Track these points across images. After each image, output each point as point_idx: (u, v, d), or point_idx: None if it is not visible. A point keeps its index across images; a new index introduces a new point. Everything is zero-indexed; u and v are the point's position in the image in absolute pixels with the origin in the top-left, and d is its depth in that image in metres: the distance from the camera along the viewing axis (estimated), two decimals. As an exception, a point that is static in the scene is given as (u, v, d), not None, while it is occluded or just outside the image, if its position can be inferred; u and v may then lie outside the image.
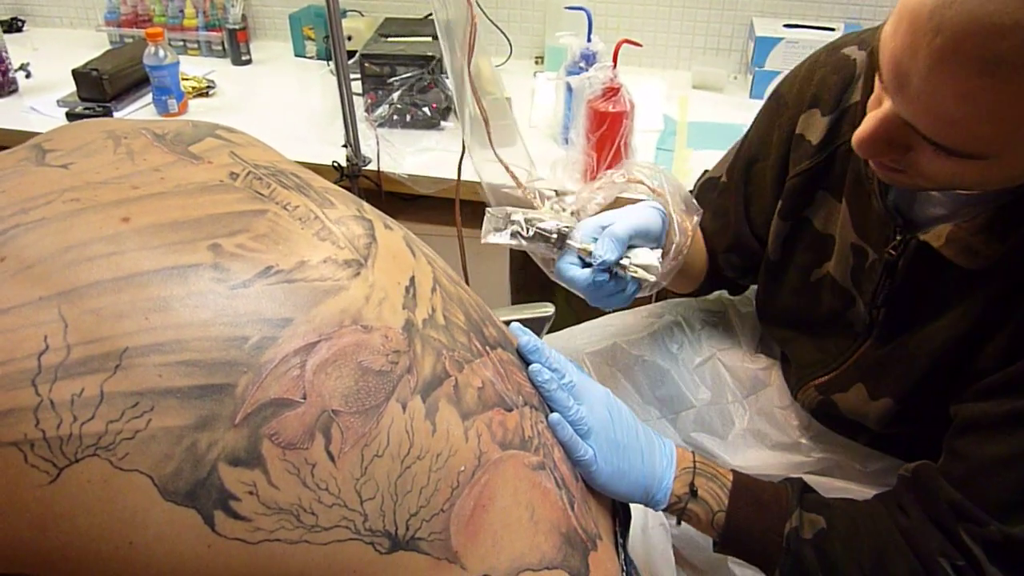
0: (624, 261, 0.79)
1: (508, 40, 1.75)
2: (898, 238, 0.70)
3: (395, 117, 1.40)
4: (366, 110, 1.40)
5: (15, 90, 1.61)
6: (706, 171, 0.98)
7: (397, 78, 1.38)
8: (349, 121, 1.23)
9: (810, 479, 0.81)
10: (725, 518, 0.71)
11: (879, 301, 0.74)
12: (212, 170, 0.54)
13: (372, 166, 1.30)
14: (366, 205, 0.62)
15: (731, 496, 0.72)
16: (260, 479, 0.44)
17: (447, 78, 1.39)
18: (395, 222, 0.64)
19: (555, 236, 0.82)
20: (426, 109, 1.40)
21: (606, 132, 1.18)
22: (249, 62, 1.78)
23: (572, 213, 0.88)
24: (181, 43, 1.82)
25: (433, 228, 1.37)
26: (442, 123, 1.43)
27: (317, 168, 1.33)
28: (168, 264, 0.46)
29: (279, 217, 0.52)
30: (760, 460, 0.93)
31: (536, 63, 1.80)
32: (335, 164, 1.29)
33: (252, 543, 0.44)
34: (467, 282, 0.79)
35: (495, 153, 0.93)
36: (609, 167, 1.22)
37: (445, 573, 0.50)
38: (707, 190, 0.94)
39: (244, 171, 0.55)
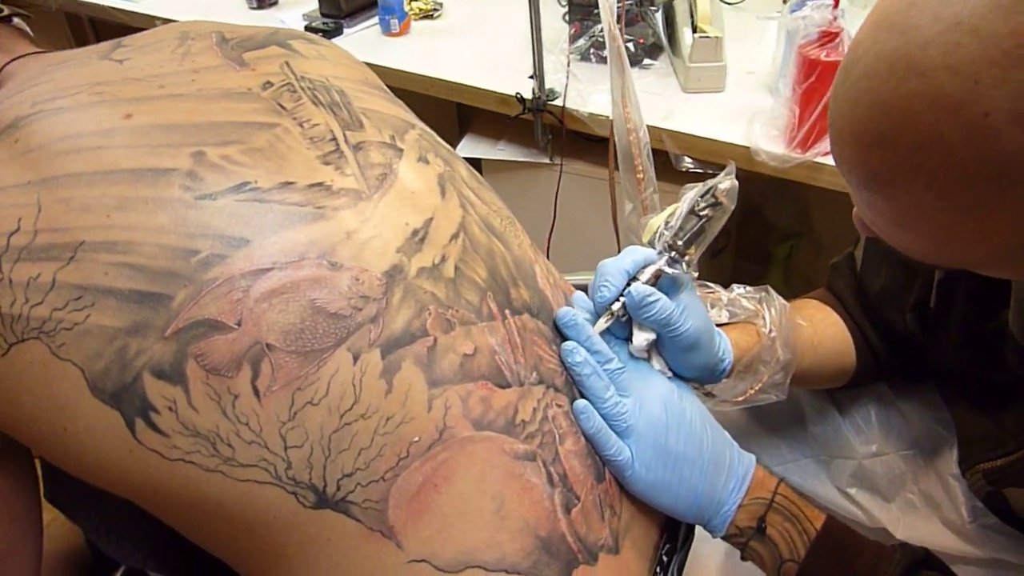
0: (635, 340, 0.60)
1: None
2: None
3: (592, 51, 1.31)
4: (569, 41, 1.33)
5: (275, 3, 1.77)
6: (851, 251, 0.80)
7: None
8: (536, 51, 1.18)
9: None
10: (797, 573, 0.58)
11: None
12: (249, 77, 0.53)
13: (561, 101, 1.24)
14: (414, 133, 0.57)
15: (812, 548, 0.58)
16: (181, 397, 0.42)
17: (657, 11, 1.26)
18: (446, 156, 0.58)
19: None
20: (630, 45, 1.30)
21: (814, 84, 1.00)
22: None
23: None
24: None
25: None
26: (646, 60, 1.32)
27: (503, 99, 1.31)
28: (145, 165, 0.45)
29: (287, 133, 0.49)
30: (930, 535, 0.76)
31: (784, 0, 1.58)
32: (518, 96, 1.24)
33: (169, 459, 0.43)
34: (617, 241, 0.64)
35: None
36: (814, 129, 1.03)
37: (377, 546, 0.45)
38: (872, 256, 0.76)
39: (281, 82, 0.53)
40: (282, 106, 0.51)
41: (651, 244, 0.59)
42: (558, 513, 0.50)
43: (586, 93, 1.24)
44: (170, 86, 0.50)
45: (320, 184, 0.48)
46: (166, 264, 0.43)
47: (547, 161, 1.35)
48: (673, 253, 0.58)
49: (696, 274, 0.68)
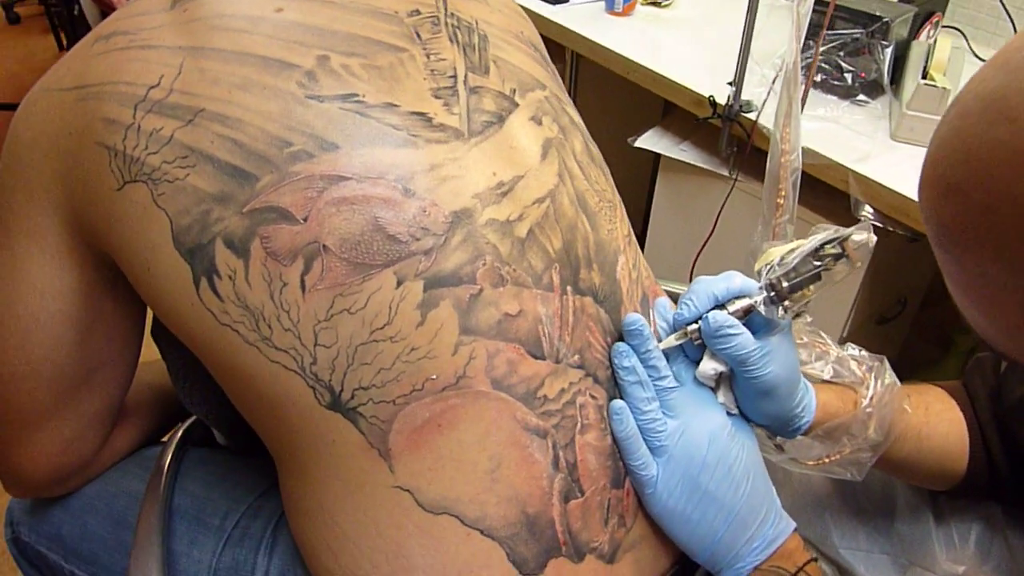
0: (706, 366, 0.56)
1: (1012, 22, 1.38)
2: None
3: (805, 72, 1.23)
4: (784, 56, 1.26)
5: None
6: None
7: (831, 31, 1.20)
8: (740, 59, 1.12)
9: None
10: None
11: None
12: (402, 2, 0.55)
13: (755, 115, 1.18)
14: (539, 94, 0.57)
15: None
16: (240, 270, 0.46)
17: (888, 47, 1.16)
18: (566, 124, 0.58)
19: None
20: (848, 75, 1.20)
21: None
22: (724, -14, 1.71)
23: None
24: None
25: (804, 211, 1.20)
26: (861, 96, 1.22)
27: (697, 99, 1.26)
28: (275, 56, 0.49)
29: (412, 60, 0.51)
30: None
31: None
32: (711, 99, 1.20)
33: (219, 323, 0.48)
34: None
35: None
36: None
37: (372, 462, 0.47)
38: None
39: (429, 13, 0.55)
40: (419, 34, 0.53)
41: (759, 274, 0.56)
42: (553, 498, 0.49)
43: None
44: None
45: (422, 114, 0.49)
46: (262, 148, 0.46)
47: (725, 173, 1.29)
48: (773, 293, 0.54)
49: (810, 319, 0.63)
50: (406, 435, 0.47)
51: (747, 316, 0.54)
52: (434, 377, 0.47)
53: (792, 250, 0.55)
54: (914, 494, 0.76)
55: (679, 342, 0.55)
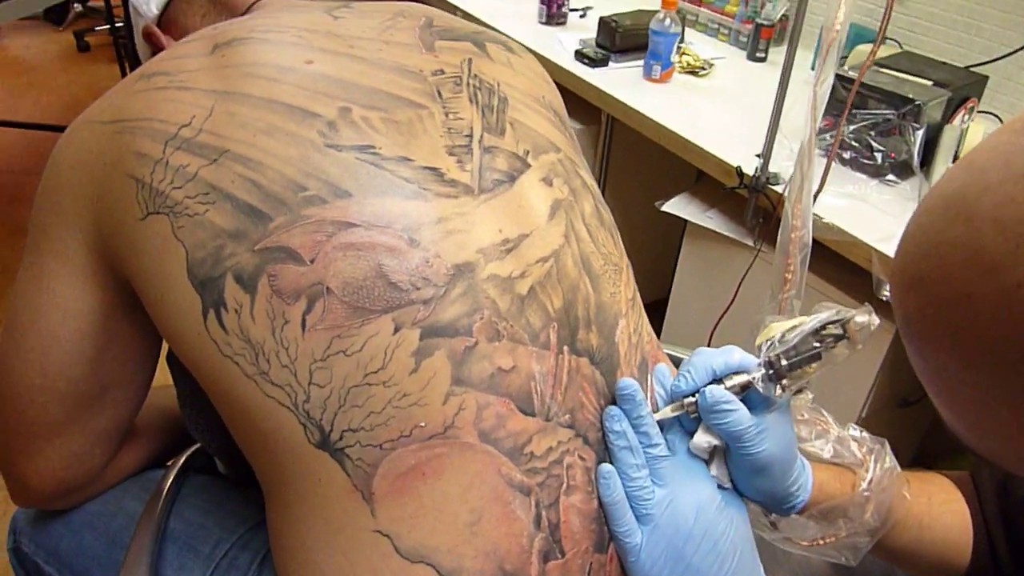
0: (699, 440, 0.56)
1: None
2: None
3: (839, 151, 1.24)
4: (817, 132, 1.27)
5: (563, 22, 1.87)
6: None
7: (864, 110, 1.21)
8: (770, 132, 1.14)
9: None
10: None
11: None
12: (428, 61, 0.58)
13: (782, 188, 1.19)
14: (552, 156, 0.58)
15: None
16: (246, 305, 0.48)
17: (919, 129, 1.17)
18: (577, 187, 0.59)
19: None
20: (879, 155, 1.21)
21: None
22: (763, 60, 1.74)
23: None
24: (716, 26, 1.87)
25: (819, 282, 1.20)
26: (890, 176, 1.22)
27: (725, 168, 1.27)
28: (300, 105, 0.51)
29: (431, 117, 0.54)
30: None
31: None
32: (738, 169, 1.21)
33: (222, 353, 0.49)
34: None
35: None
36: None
37: (355, 504, 0.48)
38: None
39: (453, 74, 0.58)
40: (440, 92, 0.55)
41: (759, 350, 0.56)
42: (532, 557, 0.49)
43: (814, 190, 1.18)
44: (358, 48, 0.57)
45: (435, 169, 0.51)
46: (278, 190, 0.49)
47: (749, 243, 1.30)
48: (772, 371, 0.54)
49: (811, 396, 0.63)
50: (390, 480, 0.48)
51: (744, 392, 0.54)
52: (422, 424, 0.48)
53: (793, 327, 0.55)
54: None
55: (675, 414, 0.55)
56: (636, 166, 1.72)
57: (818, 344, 0.53)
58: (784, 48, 1.76)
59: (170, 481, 0.69)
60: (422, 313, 0.48)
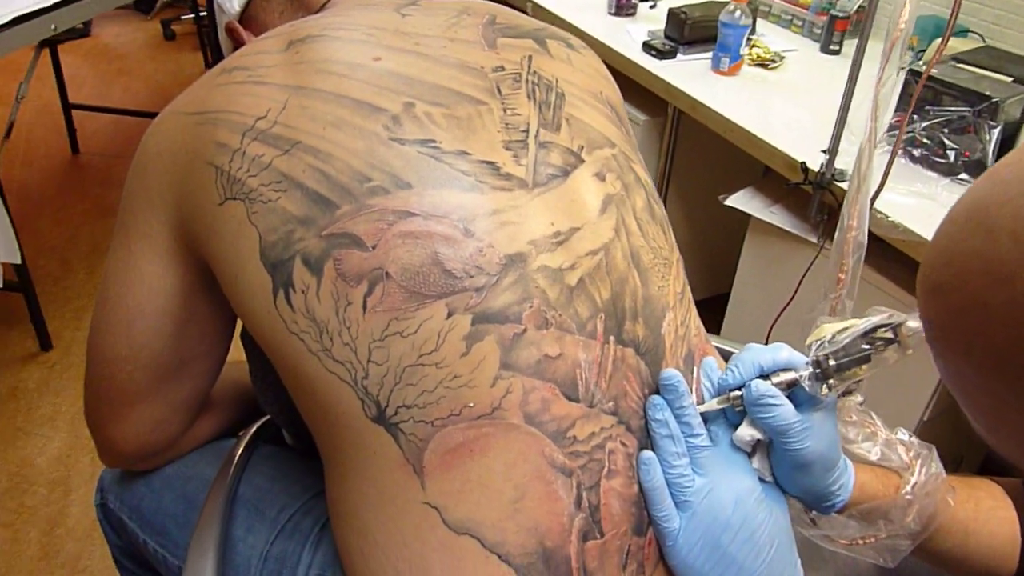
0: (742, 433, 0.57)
1: None
2: None
3: (909, 148, 1.21)
4: (888, 129, 1.24)
5: (632, 13, 1.87)
6: None
7: (938, 107, 1.18)
8: (836, 128, 1.12)
9: None
10: None
11: None
12: (490, 58, 0.60)
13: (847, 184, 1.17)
14: (607, 152, 0.60)
15: None
16: (312, 286, 0.52)
17: (996, 127, 1.13)
18: (630, 182, 0.61)
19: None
20: (952, 153, 1.18)
21: None
22: (836, 53, 1.70)
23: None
24: (789, 17, 1.84)
25: (882, 280, 1.18)
26: (963, 175, 1.19)
27: (790, 163, 1.26)
28: (367, 100, 0.55)
29: (490, 113, 0.56)
30: None
31: None
32: (803, 165, 1.20)
33: (289, 330, 0.53)
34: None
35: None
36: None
37: (406, 476, 0.51)
38: None
39: (512, 71, 0.60)
40: (499, 89, 0.58)
41: (808, 348, 0.57)
42: (572, 535, 0.51)
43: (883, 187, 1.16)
44: (423, 46, 0.59)
45: (491, 163, 0.54)
46: (345, 180, 0.52)
47: (813, 240, 1.28)
48: (819, 370, 0.55)
49: (860, 398, 0.63)
50: (440, 455, 0.50)
51: (790, 389, 0.55)
52: (471, 405, 0.50)
53: (845, 328, 0.55)
54: None
55: (721, 407, 0.56)
56: (702, 159, 1.71)
57: (868, 347, 0.54)
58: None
59: (241, 449, 0.74)
60: (474, 300, 0.51)
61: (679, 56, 1.65)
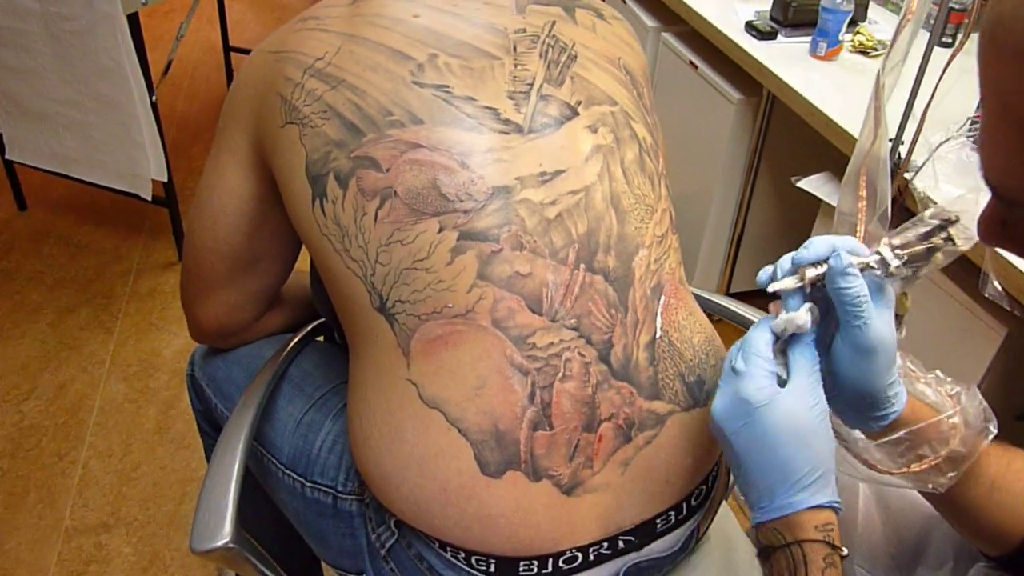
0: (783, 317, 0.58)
1: None
2: None
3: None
4: (964, 123, 1.23)
5: (742, -7, 1.89)
6: None
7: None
8: (903, 117, 1.13)
9: None
10: None
11: None
12: (515, 21, 0.70)
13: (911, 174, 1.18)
14: (605, 108, 0.68)
15: None
16: (339, 197, 0.64)
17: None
18: (624, 137, 0.68)
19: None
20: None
21: None
22: (949, 46, 1.65)
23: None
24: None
25: (932, 273, 1.18)
26: None
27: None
28: (400, 49, 0.66)
29: (501, 67, 0.66)
30: None
31: None
32: (868, 152, 1.21)
33: (321, 232, 0.66)
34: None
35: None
36: None
37: (397, 357, 0.63)
38: None
39: (532, 32, 0.69)
40: (515, 48, 0.68)
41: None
42: (523, 424, 0.62)
43: (941, 178, 1.16)
44: (460, 7, 0.70)
45: (493, 109, 0.64)
46: (373, 114, 0.64)
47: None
48: (883, 257, 0.57)
49: (903, 332, 0.66)
50: (423, 343, 0.62)
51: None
52: (450, 306, 0.62)
53: (905, 230, 0.58)
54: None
55: (797, 285, 0.57)
56: (791, 142, 1.72)
57: (929, 244, 0.57)
58: (974, 36, 1.66)
59: (296, 340, 0.88)
60: (462, 220, 0.62)
61: (780, 38, 1.66)
